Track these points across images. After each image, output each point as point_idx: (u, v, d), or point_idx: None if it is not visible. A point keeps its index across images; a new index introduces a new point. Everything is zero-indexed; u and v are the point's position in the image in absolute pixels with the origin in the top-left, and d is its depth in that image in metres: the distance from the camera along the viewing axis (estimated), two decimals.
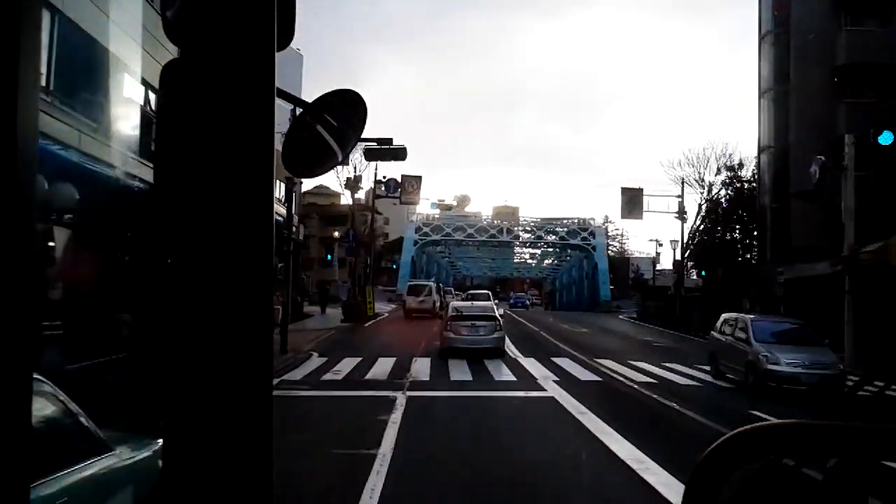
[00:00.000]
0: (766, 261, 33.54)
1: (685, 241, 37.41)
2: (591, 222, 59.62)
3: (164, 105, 1.04)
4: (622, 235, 79.89)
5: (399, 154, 19.71)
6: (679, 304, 34.56)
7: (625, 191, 36.05)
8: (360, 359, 18.61)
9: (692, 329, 30.35)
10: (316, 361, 18.10)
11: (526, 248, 73.36)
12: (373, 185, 37.86)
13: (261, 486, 0.90)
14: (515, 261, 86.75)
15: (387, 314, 39.25)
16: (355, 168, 35.18)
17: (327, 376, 15.38)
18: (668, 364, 18.89)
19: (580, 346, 23.49)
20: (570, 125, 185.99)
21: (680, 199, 36.56)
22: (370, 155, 19.25)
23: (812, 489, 0.96)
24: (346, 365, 17.39)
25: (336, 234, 41.22)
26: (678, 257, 47.99)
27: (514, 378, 15.44)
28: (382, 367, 17.03)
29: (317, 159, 1.65)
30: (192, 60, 0.91)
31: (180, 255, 0.91)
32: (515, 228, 59.87)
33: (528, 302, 65.13)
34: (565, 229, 59.82)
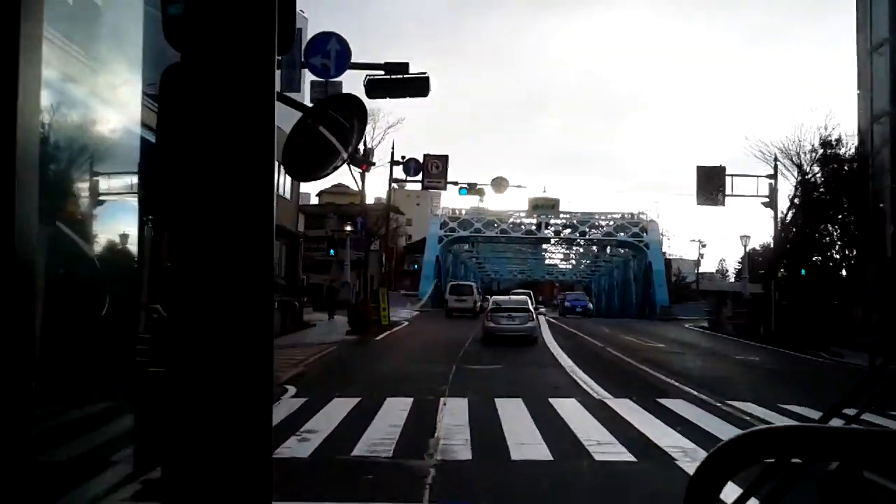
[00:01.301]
0: (885, 257, 26.27)
1: (776, 234, 30.02)
2: (643, 216, 52.21)
3: (165, 110, 1.04)
4: (662, 235, 72.40)
5: (418, 87, 12.98)
6: (774, 313, 27.28)
7: (702, 170, 28.86)
8: (356, 400, 11.88)
9: (795, 344, 23.21)
10: (287, 406, 11.31)
11: (562, 247, 65.98)
12: (389, 164, 31.15)
13: (260, 485, 0.90)
14: (547, 262, 79.55)
15: (406, 323, 32.45)
16: (365, 143, 28.62)
17: (289, 445, 8.56)
18: (846, 411, 11.83)
19: (676, 372, 16.49)
20: (598, 126, 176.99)
21: (771, 181, 29.26)
22: (376, 90, 12.43)
23: (813, 493, 0.94)
24: (332, 415, 10.64)
25: (348, 228, 34.49)
26: (747, 257, 40.68)
27: (627, 454, 8.45)
28: (389, 419, 10.27)
29: (320, 161, 1.58)
30: (192, 65, 0.91)
31: (180, 258, 0.90)
32: (555, 223, 52.65)
33: (588, 305, 49.75)
34: (611, 223, 52.50)
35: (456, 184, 32.75)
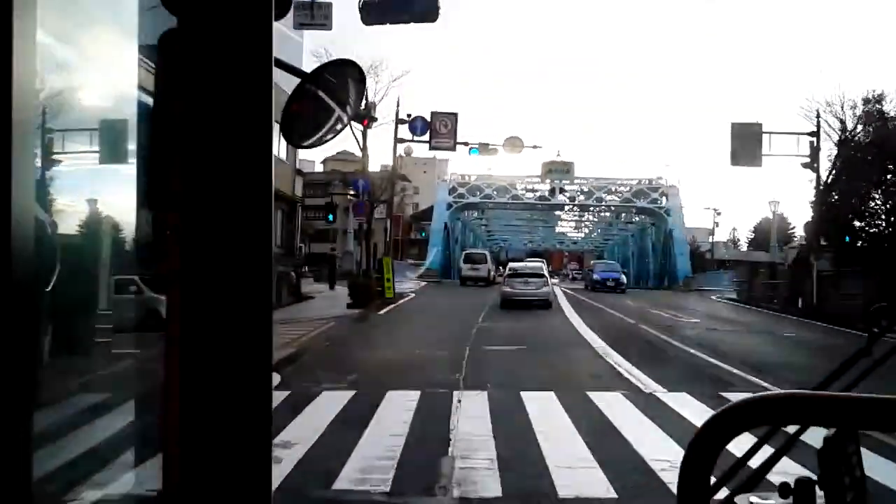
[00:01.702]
0: None
1: (818, 197, 27.35)
2: (662, 181, 49.41)
3: (162, 74, 1.04)
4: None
5: (424, 8, 10.49)
6: (816, 285, 24.80)
7: (738, 128, 26.13)
8: (350, 394, 9.65)
9: (843, 318, 20.63)
10: None
11: (575, 215, 63.24)
12: (394, 123, 28.54)
13: (259, 483, 0.89)
14: (558, 230, 76.96)
15: (413, 295, 30.16)
16: (366, 97, 26.08)
17: None
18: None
19: (726, 354, 14.08)
20: (616, 87, 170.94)
21: (812, 140, 26.52)
22: (373, 14, 9.93)
23: (809, 458, 0.96)
24: (317, 417, 8.38)
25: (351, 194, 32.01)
26: (775, 223, 38.23)
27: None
28: (389, 424, 7.99)
29: (319, 127, 1.56)
30: (189, 29, 0.89)
31: (174, 232, 0.88)
32: (570, 188, 49.93)
33: (622, 278, 39.80)
34: (628, 189, 49.76)
35: (466, 144, 30.15)
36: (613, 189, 50.37)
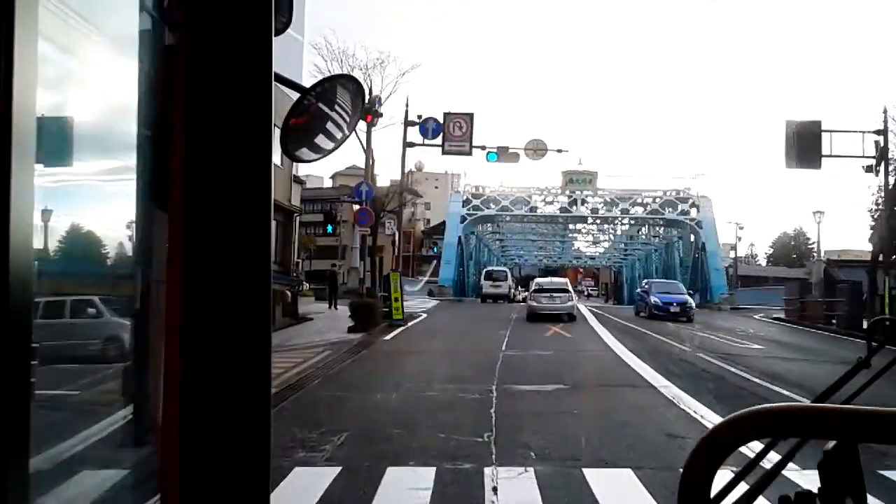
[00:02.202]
0: None
1: (888, 202, 24.05)
2: (692, 192, 46.06)
3: (161, 89, 1.03)
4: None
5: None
6: (889, 303, 21.50)
7: (794, 126, 22.90)
8: (334, 472, 6.59)
9: None
10: None
11: (596, 228, 59.84)
12: (403, 123, 25.59)
13: (258, 484, 0.88)
14: (576, 245, 73.67)
15: (424, 315, 27.01)
16: (370, 89, 23.18)
17: None
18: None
19: (815, 393, 10.85)
20: (643, 90, 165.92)
21: (879, 139, 23.28)
22: None
23: (809, 471, 0.97)
24: None
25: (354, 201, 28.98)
26: (819, 235, 35.04)
27: None
28: None
29: (319, 141, 1.55)
30: (188, 44, 0.90)
31: (173, 242, 0.89)
32: (592, 199, 46.67)
33: (688, 302, 29.02)
34: (656, 200, 46.44)
35: (483, 148, 27.10)
36: (639, 200, 47.05)
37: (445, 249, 43.81)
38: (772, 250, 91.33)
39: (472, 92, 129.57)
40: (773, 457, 1.15)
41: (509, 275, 42.45)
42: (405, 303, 23.19)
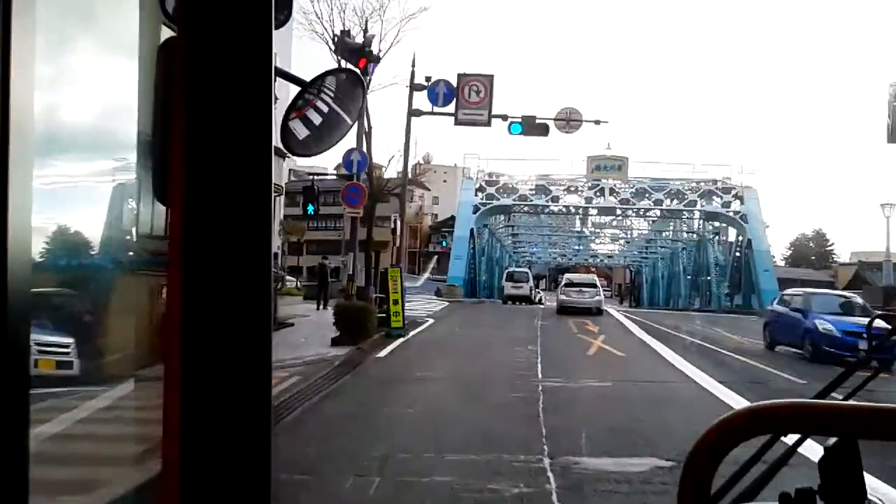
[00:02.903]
0: None
1: None
2: (734, 182, 41.01)
3: (161, 84, 1.04)
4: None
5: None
6: None
7: None
8: None
9: None
10: None
11: (621, 220, 54.84)
12: (408, 87, 20.88)
13: (260, 486, 0.89)
14: (596, 242, 68.75)
15: (430, 321, 22.33)
16: (366, 29, 18.56)
17: None
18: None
19: None
20: (679, 67, 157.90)
21: None
22: None
23: (809, 466, 0.97)
24: None
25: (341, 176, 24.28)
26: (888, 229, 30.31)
27: None
28: None
29: (319, 135, 1.57)
30: (188, 38, 0.89)
31: (173, 241, 0.88)
32: (621, 189, 41.75)
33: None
34: (693, 189, 41.50)
35: (504, 118, 22.33)
36: (674, 190, 42.09)
37: (456, 244, 39.06)
38: (790, 251, 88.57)
39: (487, 56, 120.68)
40: (774, 453, 1.16)
41: (531, 276, 41.17)
42: (407, 304, 18.60)
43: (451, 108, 22.08)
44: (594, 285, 28.52)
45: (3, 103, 0.77)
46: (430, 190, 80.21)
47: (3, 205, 0.76)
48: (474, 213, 39.48)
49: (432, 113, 22.17)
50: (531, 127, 22.17)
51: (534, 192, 42.09)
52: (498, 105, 22.59)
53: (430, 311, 25.90)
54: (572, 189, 42.60)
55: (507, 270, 42.57)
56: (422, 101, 21.89)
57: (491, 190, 40.92)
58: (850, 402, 0.97)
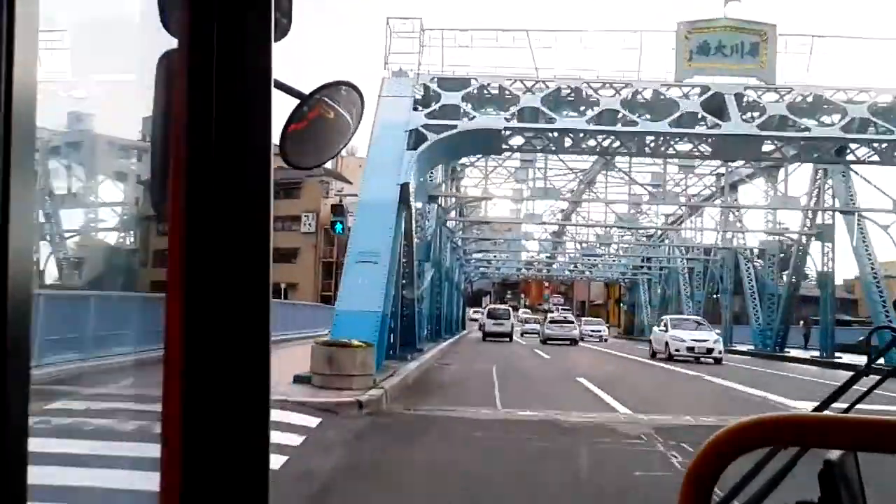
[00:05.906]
0: None
1: None
2: None
3: (161, 95, 1.03)
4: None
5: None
6: None
7: None
8: None
9: None
10: None
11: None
12: None
13: (258, 485, 0.88)
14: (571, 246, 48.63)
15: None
16: None
17: None
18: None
19: None
20: None
21: None
22: None
23: (810, 479, 0.94)
24: None
25: None
26: None
27: None
28: None
29: (319, 147, 1.53)
30: (188, 50, 0.89)
31: (173, 250, 0.89)
32: (759, 98, 20.05)
33: None
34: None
35: None
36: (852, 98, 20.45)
37: (362, 224, 15.27)
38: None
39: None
40: (775, 465, 1.15)
41: (511, 312, 40.89)
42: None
43: None
44: (571, 322, 38.18)
45: (6, 107, 0.76)
46: (351, 183, 61.68)
47: (4, 205, 0.75)
48: (411, 148, 16.23)
49: None
50: None
51: (552, 102, 19.46)
52: None
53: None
54: (641, 100, 19.96)
55: (487, 307, 42.56)
56: None
57: (452, 98, 18.25)
58: (850, 415, 0.93)
